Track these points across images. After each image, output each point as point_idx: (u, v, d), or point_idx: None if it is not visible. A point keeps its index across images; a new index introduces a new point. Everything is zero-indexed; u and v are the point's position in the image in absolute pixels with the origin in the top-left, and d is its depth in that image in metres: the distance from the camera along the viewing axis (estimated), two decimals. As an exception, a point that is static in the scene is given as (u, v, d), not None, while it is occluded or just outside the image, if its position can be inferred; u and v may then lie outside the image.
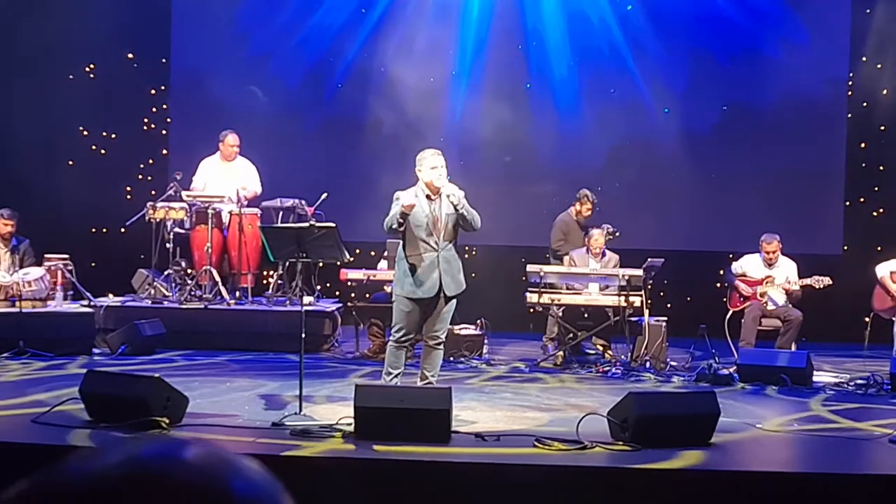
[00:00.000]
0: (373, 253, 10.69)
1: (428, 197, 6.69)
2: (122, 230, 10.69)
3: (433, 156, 6.69)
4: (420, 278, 6.65)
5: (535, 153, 12.27)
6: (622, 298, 9.25)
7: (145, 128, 12.54)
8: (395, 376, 6.75)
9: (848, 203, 12.32)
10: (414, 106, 11.97)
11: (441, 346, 6.84)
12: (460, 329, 9.63)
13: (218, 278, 10.04)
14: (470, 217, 6.64)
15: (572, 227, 10.37)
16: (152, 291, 10.24)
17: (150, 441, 0.87)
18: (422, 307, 6.72)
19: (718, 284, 10.84)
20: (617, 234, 10.21)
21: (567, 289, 9.67)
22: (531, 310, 10.05)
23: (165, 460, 0.83)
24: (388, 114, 11.98)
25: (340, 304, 10.57)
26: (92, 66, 12.35)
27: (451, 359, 9.32)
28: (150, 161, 12.45)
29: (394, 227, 6.65)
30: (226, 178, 10.38)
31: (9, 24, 12.09)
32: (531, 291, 9.56)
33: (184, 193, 10.09)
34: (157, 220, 10.03)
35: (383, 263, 9.80)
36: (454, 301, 6.80)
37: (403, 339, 6.78)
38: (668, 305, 11.13)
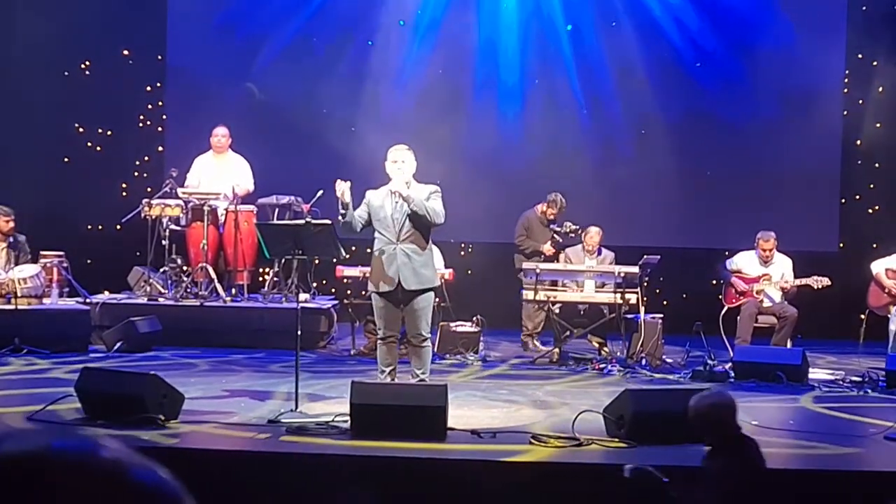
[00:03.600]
0: (369, 250, 10.63)
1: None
2: (118, 227, 10.67)
3: (393, 151, 6.79)
4: (381, 273, 6.69)
5: (532, 150, 12.27)
6: (618, 295, 9.27)
7: (141, 125, 12.53)
8: (388, 373, 6.78)
9: (843, 200, 12.34)
10: (412, 103, 11.98)
11: (426, 344, 6.77)
12: (457, 326, 9.65)
13: (214, 275, 10.03)
14: (422, 212, 6.59)
15: (535, 224, 10.47)
16: (148, 289, 10.23)
17: (55, 432, 0.90)
18: (391, 302, 6.72)
19: (714, 281, 10.85)
20: (579, 230, 10.21)
21: (563, 285, 9.71)
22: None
23: (67, 447, 0.86)
24: (384, 111, 11.97)
25: (336, 302, 10.57)
26: (87, 63, 12.34)
27: (448, 355, 9.33)
28: (146, 158, 12.44)
29: (341, 221, 6.64)
30: (219, 174, 10.38)
31: (4, 22, 12.08)
32: (527, 288, 9.59)
33: (179, 190, 10.08)
34: (153, 217, 10.01)
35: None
36: (427, 297, 6.74)
37: (384, 335, 6.80)
38: (664, 302, 11.16)
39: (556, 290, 9.65)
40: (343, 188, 6.58)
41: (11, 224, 9.74)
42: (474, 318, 9.80)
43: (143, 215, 10.01)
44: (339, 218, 6.66)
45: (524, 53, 12.48)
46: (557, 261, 10.07)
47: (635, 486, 4.44)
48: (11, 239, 9.73)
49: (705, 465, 4.36)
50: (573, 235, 10.20)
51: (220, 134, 10.52)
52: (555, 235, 10.29)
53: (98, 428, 5.72)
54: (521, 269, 10.35)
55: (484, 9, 12.52)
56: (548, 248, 10.25)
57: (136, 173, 12.35)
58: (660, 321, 9.16)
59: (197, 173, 10.50)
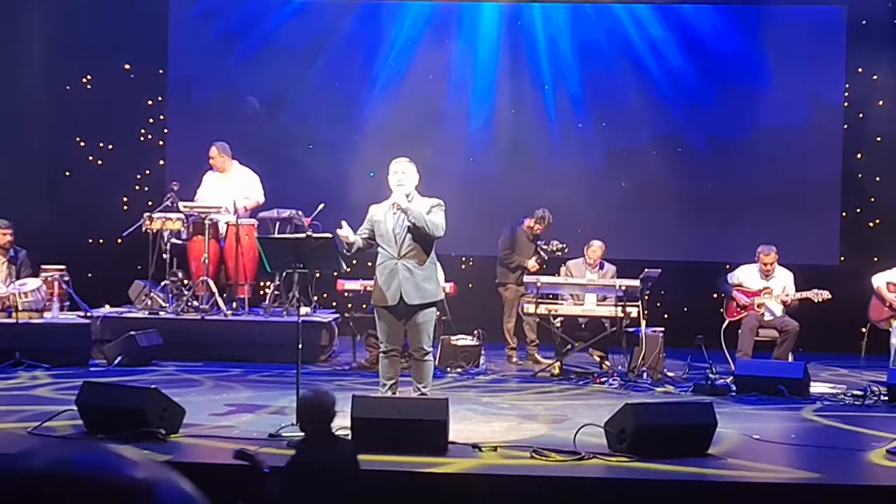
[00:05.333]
0: (369, 263, 10.63)
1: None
2: (119, 241, 10.67)
3: (394, 163, 6.79)
4: (383, 287, 6.68)
5: (534, 163, 12.29)
6: (619, 309, 9.26)
7: (142, 138, 12.55)
8: (389, 387, 6.77)
9: (844, 214, 12.34)
10: (415, 113, 12.00)
11: (427, 358, 6.76)
12: (457, 340, 9.63)
13: (215, 289, 10.02)
14: (421, 224, 6.57)
15: (521, 239, 10.46)
16: (149, 302, 10.22)
17: (81, 447, 0.88)
18: (394, 316, 6.70)
19: (715, 295, 10.85)
20: (566, 248, 10.20)
21: (564, 297, 9.70)
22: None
23: (92, 464, 0.84)
24: (385, 124, 11.99)
25: (337, 315, 10.57)
26: (88, 76, 12.37)
27: (448, 369, 9.32)
28: (147, 172, 12.45)
29: (348, 254, 6.74)
30: (226, 189, 10.34)
31: (5, 35, 12.11)
32: (528, 302, 9.59)
33: (181, 204, 10.08)
34: (154, 230, 10.01)
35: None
36: (430, 311, 6.72)
37: (387, 349, 6.79)
38: (665, 316, 11.15)
39: (556, 304, 9.65)
40: (345, 233, 6.64)
41: (9, 237, 9.74)
42: (475, 332, 9.79)
43: (144, 229, 10.01)
44: (345, 251, 6.69)
45: (526, 64, 12.50)
46: (559, 274, 10.07)
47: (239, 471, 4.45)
48: (12, 253, 9.73)
49: (295, 455, 4.51)
50: (559, 254, 10.19)
51: (211, 155, 10.41)
52: (540, 252, 10.28)
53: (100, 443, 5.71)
54: (502, 282, 10.38)
55: (468, 23, 12.56)
56: (532, 264, 10.21)
57: (137, 187, 12.36)
58: (661, 335, 9.15)
59: (205, 190, 10.46)
